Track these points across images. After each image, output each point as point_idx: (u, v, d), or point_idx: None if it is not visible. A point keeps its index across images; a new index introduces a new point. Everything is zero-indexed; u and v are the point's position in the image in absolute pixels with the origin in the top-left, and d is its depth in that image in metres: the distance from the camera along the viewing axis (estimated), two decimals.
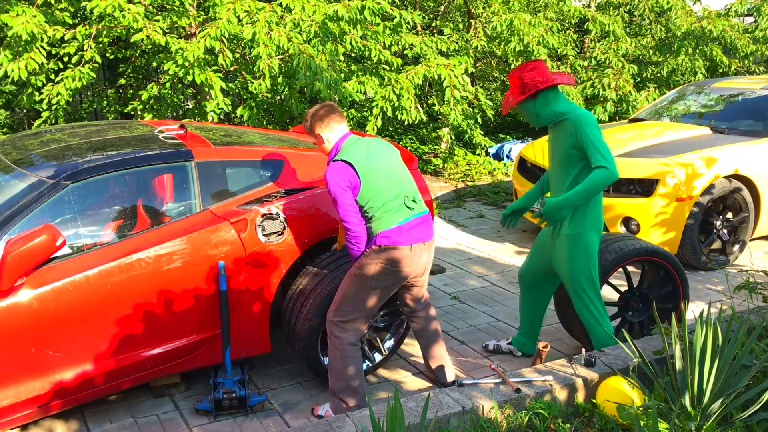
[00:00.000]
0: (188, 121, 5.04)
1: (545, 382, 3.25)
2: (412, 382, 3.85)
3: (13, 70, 6.06)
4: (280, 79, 7.09)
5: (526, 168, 6.44)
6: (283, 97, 7.63)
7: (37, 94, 6.87)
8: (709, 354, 2.83)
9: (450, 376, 3.73)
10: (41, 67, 6.59)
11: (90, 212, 3.35)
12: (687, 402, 2.88)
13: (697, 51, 9.88)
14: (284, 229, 3.62)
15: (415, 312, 3.65)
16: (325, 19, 6.62)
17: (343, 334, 3.37)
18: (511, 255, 6.06)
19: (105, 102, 8.68)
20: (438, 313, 4.77)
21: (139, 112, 7.43)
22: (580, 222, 3.57)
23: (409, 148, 9.94)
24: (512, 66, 9.34)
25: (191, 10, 7.00)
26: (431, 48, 8.11)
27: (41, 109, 6.99)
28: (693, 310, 4.70)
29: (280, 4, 6.81)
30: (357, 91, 7.27)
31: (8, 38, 6.15)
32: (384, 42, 7.68)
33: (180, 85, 7.80)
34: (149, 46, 7.22)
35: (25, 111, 9.21)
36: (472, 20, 9.56)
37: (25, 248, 2.95)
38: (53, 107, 6.87)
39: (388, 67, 8.09)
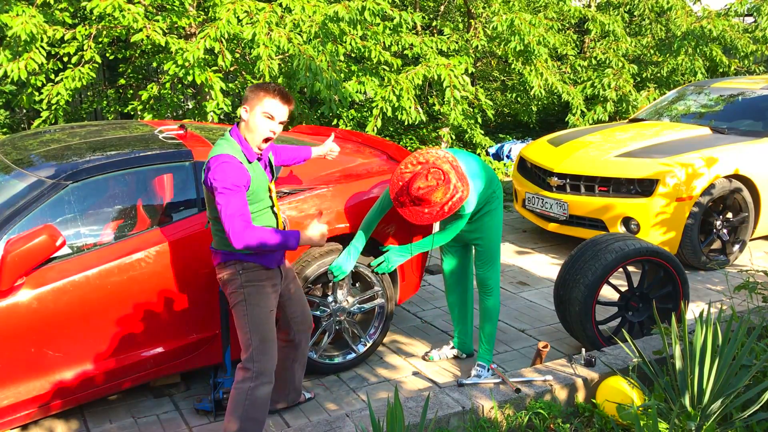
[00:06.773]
0: (188, 121, 5.04)
1: (545, 382, 3.25)
2: (412, 382, 3.85)
3: (12, 70, 6.06)
4: (280, 80, 7.09)
5: (526, 168, 6.44)
6: None
7: (36, 94, 6.87)
8: (709, 354, 2.83)
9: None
10: (41, 67, 6.59)
11: (90, 212, 3.35)
12: (687, 402, 2.88)
13: (697, 51, 9.89)
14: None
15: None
16: (325, 20, 6.62)
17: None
18: (511, 255, 6.05)
19: (105, 102, 8.68)
20: (437, 313, 4.78)
21: (139, 112, 7.44)
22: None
23: (409, 148, 9.94)
24: (513, 66, 9.34)
25: (191, 10, 7.00)
26: (431, 48, 8.11)
27: (41, 109, 6.99)
28: (693, 310, 4.70)
29: (280, 5, 6.81)
30: (357, 92, 7.27)
31: (8, 38, 6.16)
32: (384, 42, 7.68)
33: (180, 85, 7.80)
34: (149, 46, 7.22)
35: (24, 111, 9.22)
36: (472, 20, 9.56)
37: (25, 248, 2.95)
38: (53, 107, 6.88)
39: (388, 68, 8.10)
